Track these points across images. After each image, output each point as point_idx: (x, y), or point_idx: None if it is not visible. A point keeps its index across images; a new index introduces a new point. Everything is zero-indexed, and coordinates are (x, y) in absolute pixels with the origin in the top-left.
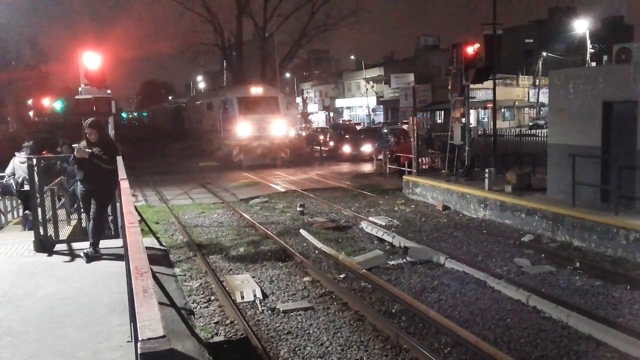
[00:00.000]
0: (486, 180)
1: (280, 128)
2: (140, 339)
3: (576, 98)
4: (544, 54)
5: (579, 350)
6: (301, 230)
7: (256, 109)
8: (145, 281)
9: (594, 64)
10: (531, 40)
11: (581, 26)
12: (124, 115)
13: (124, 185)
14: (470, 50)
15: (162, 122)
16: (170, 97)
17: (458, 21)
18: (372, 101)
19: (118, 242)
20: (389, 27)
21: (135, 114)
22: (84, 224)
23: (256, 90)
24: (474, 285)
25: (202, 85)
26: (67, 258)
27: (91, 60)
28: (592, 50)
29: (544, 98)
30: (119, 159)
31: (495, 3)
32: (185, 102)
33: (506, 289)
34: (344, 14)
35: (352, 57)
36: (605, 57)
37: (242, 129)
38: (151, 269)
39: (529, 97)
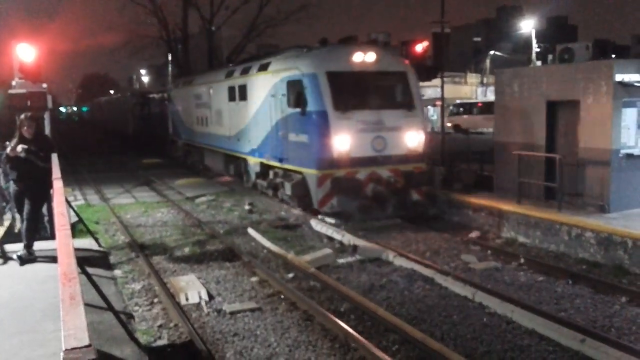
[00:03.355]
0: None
1: (414, 138)
2: (63, 348)
3: (521, 97)
4: (492, 52)
5: (522, 345)
6: (249, 229)
7: (367, 99)
8: (73, 288)
9: (539, 63)
10: (479, 39)
11: (527, 25)
12: (62, 110)
13: (58, 184)
14: (419, 48)
15: (114, 120)
16: (111, 91)
17: (409, 18)
18: None
19: (54, 244)
20: (339, 22)
21: (75, 108)
22: (17, 225)
23: (364, 57)
24: (422, 282)
25: (146, 79)
26: None
27: (26, 52)
28: (538, 49)
29: (491, 96)
30: (54, 157)
31: (443, 1)
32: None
33: (453, 285)
34: (293, 9)
35: None
36: (550, 57)
37: (341, 141)
38: (87, 272)
39: (477, 95)
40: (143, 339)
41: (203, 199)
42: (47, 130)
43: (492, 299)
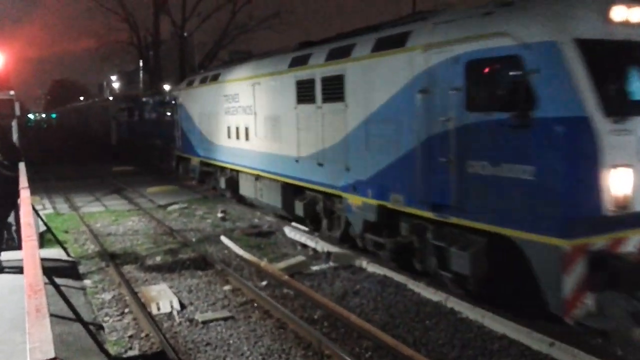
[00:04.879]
0: None
1: None
2: None
3: None
4: None
5: (493, 350)
6: (222, 237)
7: None
8: (38, 300)
9: None
10: None
11: None
12: (31, 117)
13: (25, 194)
14: None
15: (91, 128)
16: (81, 98)
17: (382, 18)
18: None
19: (22, 254)
20: (313, 27)
21: (44, 115)
22: None
23: (628, 14)
24: (395, 289)
25: (116, 85)
26: None
27: None
28: None
29: None
30: (22, 166)
31: (414, 5)
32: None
33: (425, 291)
34: (266, 15)
35: None
36: None
37: (620, 178)
38: (55, 283)
39: None
40: (113, 350)
41: (175, 206)
42: (15, 138)
43: (464, 304)
